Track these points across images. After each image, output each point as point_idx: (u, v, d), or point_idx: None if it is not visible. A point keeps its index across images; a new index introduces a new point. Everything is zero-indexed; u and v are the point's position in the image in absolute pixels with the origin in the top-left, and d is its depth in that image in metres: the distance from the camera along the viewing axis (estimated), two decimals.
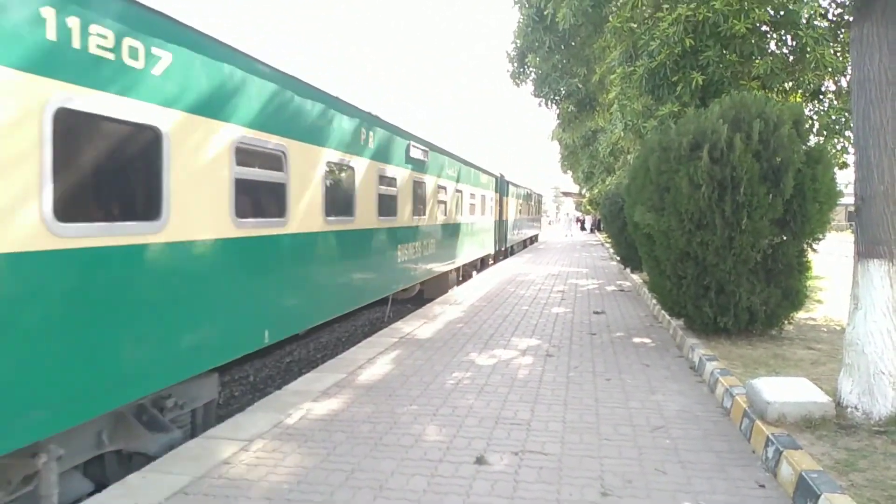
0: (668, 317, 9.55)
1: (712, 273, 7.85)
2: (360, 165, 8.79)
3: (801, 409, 4.79)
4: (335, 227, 7.89)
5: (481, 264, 20.35)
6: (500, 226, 22.92)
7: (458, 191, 15.24)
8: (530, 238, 37.52)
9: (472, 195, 17.22)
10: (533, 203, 38.35)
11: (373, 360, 7.38)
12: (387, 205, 9.99)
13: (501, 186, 23.22)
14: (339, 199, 8.13)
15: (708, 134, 7.68)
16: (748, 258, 7.74)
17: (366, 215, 9.04)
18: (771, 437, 4.44)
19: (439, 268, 13.59)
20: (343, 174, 8.30)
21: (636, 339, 8.83)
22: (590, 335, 9.09)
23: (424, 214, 12.08)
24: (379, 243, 9.78)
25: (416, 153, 11.55)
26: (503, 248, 23.88)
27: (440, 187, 13.36)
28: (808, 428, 4.69)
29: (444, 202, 13.89)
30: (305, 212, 6.99)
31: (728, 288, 7.86)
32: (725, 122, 7.68)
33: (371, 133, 9.17)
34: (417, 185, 11.75)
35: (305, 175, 6.98)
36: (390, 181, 10.19)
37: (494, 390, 6.19)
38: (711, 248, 7.70)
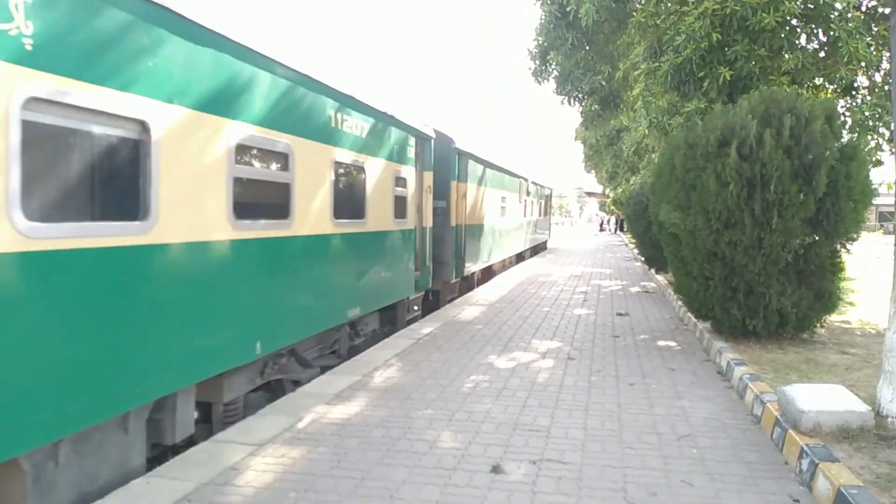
0: (694, 319, 9.26)
1: (741, 274, 7.57)
2: None
3: (837, 418, 4.52)
4: None
5: (381, 327, 9.54)
6: (443, 239, 12.29)
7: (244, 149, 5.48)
8: (531, 249, 25.96)
9: (310, 170, 6.64)
10: (532, 199, 24.86)
11: (389, 363, 7.21)
12: None
13: (442, 158, 11.98)
14: None
15: (736, 130, 7.41)
16: (778, 259, 7.45)
17: None
18: (805, 448, 4.18)
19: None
20: None
21: (661, 342, 8.56)
22: (613, 338, 8.84)
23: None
24: None
25: None
26: (452, 280, 12.80)
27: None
28: (845, 439, 4.42)
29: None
30: None
31: (757, 289, 7.57)
32: (755, 118, 7.40)
33: None
34: None
35: None
36: None
37: (513, 395, 5.99)
38: (740, 248, 7.42)
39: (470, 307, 11.41)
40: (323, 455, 4.49)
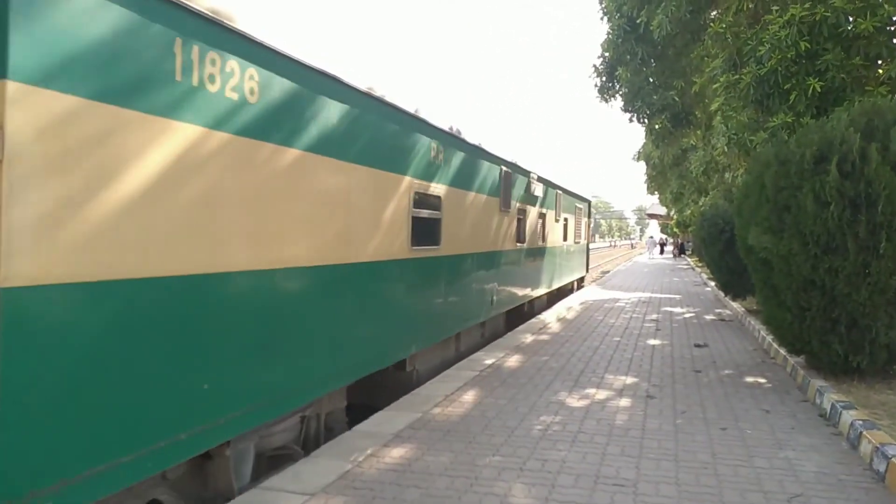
0: (783, 353, 8.45)
1: (843, 304, 6.77)
2: None
3: None
4: None
5: None
6: None
7: None
8: (545, 297, 15.83)
9: None
10: (545, 210, 14.22)
11: (450, 398, 6.69)
12: None
13: None
14: None
15: (836, 145, 6.68)
16: (887, 287, 6.62)
17: None
18: None
19: None
20: None
21: (748, 378, 7.78)
22: (694, 372, 8.10)
23: None
24: None
25: None
26: None
27: None
28: None
29: None
30: None
31: (862, 322, 6.75)
32: (857, 131, 6.66)
33: None
34: None
35: None
36: None
37: (590, 440, 5.38)
38: (842, 275, 6.64)
39: (534, 336, 10.80)
40: None
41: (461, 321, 9.19)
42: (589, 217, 23.42)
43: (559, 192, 15.81)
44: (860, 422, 5.38)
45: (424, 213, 7.55)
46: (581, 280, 22.42)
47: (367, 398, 6.99)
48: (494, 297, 10.68)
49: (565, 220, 17.10)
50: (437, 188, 7.95)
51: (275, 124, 4.68)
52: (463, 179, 8.87)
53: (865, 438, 5.05)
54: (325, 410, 5.96)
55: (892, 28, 8.92)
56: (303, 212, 5.06)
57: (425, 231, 7.64)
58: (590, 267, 23.46)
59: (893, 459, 4.47)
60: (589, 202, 23.06)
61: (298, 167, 4.99)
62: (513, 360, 8.65)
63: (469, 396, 6.75)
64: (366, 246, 6.11)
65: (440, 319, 8.29)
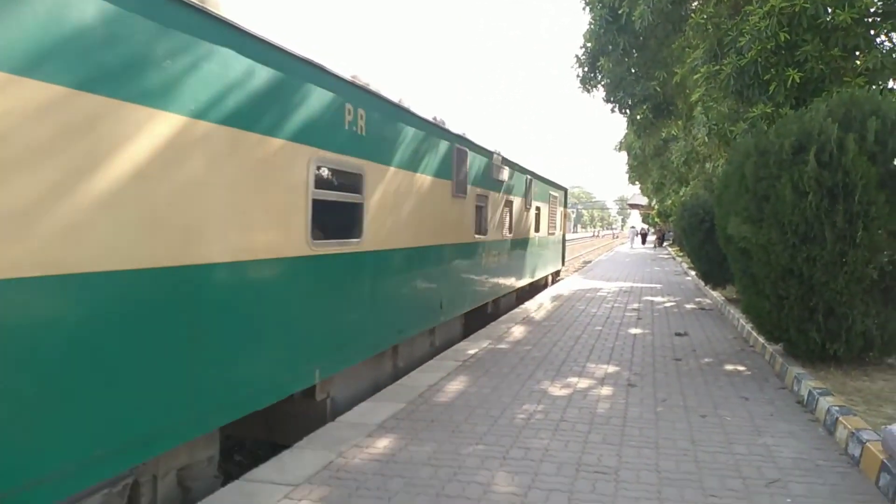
0: (762, 340, 8.56)
1: (820, 293, 6.88)
2: None
3: None
4: None
5: None
6: None
7: None
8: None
9: None
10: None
11: (434, 387, 6.72)
12: None
13: None
14: None
15: (814, 135, 6.76)
16: (863, 276, 6.74)
17: None
18: None
19: None
20: None
21: (728, 366, 7.88)
22: (674, 361, 8.19)
23: None
24: None
25: None
26: None
27: None
28: None
29: None
30: None
31: (839, 310, 6.87)
32: (835, 122, 6.74)
33: None
34: None
35: None
36: None
37: (572, 428, 5.43)
38: (819, 264, 6.74)
39: (517, 326, 10.85)
40: (365, 499, 4.01)
41: (397, 332, 7.38)
42: (565, 206, 21.79)
43: (530, 177, 14.16)
44: (836, 408, 5.48)
45: (336, 196, 5.84)
46: (556, 274, 21.39)
47: (270, 434, 5.95)
48: (444, 300, 8.99)
49: (537, 209, 15.47)
50: (357, 164, 6.03)
51: (23, 45, 2.93)
52: (398, 155, 7.06)
53: (841, 424, 5.14)
54: (174, 467, 4.37)
55: (870, 19, 9.03)
56: (96, 190, 3.33)
57: (338, 220, 6.01)
58: (573, 256, 23.70)
59: (868, 444, 4.56)
60: (565, 190, 21.52)
61: (89, 115, 3.29)
62: (496, 350, 8.69)
63: (452, 386, 6.77)
64: (227, 241, 4.35)
65: (364, 333, 6.46)
